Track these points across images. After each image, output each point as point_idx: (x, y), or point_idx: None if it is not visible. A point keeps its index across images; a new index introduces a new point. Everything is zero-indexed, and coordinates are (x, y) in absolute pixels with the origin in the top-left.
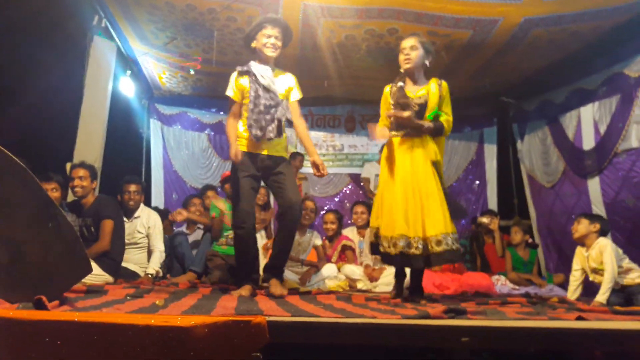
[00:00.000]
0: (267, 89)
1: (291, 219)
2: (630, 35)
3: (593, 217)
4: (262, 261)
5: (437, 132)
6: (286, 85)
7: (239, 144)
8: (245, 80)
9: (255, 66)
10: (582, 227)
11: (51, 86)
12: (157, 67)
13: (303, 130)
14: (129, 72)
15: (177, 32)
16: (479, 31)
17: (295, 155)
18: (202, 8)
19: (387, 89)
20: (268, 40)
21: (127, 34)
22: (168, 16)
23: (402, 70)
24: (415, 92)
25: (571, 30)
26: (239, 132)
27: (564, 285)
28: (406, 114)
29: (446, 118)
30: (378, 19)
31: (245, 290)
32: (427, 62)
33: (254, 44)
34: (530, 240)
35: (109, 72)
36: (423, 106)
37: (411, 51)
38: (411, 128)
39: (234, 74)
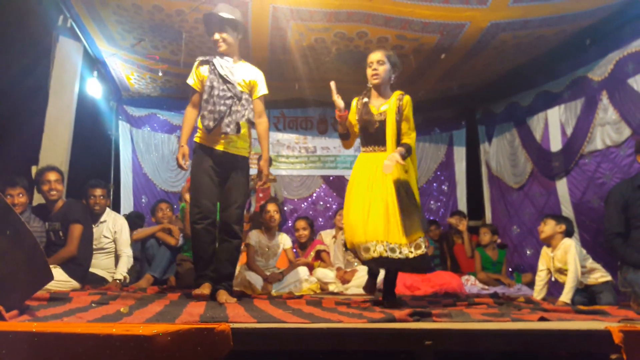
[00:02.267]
0: (224, 80)
1: (228, 235)
2: (593, 40)
3: (559, 218)
4: None
5: (407, 153)
6: (248, 77)
7: (198, 137)
8: (204, 69)
9: (216, 57)
10: (548, 227)
11: (15, 88)
12: (125, 68)
13: (262, 130)
14: (96, 73)
15: (145, 33)
16: (446, 35)
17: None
18: (170, 10)
19: (354, 102)
20: (212, 37)
21: (93, 34)
22: (135, 17)
23: (369, 85)
24: (378, 107)
25: (536, 35)
26: (198, 124)
27: (532, 284)
28: (394, 158)
29: (410, 137)
30: (347, 22)
31: (205, 289)
32: (392, 77)
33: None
34: (499, 241)
35: (75, 73)
36: (383, 122)
37: (379, 66)
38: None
39: (195, 64)
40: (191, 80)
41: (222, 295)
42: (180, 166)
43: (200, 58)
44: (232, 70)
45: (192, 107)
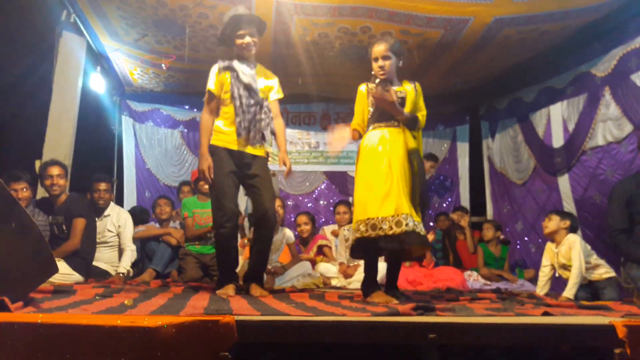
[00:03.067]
0: (247, 87)
1: (266, 227)
2: (597, 36)
3: (564, 214)
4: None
5: (412, 122)
6: (266, 83)
7: (217, 139)
8: (226, 76)
9: (237, 63)
10: (552, 223)
11: (19, 83)
12: (129, 63)
13: (280, 129)
14: (99, 68)
15: (148, 28)
16: (450, 30)
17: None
18: (174, 4)
19: (362, 87)
20: (242, 40)
21: (97, 29)
22: (139, 12)
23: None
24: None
25: (541, 30)
26: (217, 128)
27: (535, 280)
28: (391, 95)
29: (422, 113)
30: (351, 17)
31: (230, 290)
32: (399, 64)
33: (232, 46)
34: (502, 237)
35: (78, 68)
36: (403, 99)
37: (384, 61)
38: (391, 112)
39: (215, 68)
40: (212, 86)
41: (257, 290)
42: (206, 179)
43: (220, 63)
44: (254, 76)
45: (209, 113)
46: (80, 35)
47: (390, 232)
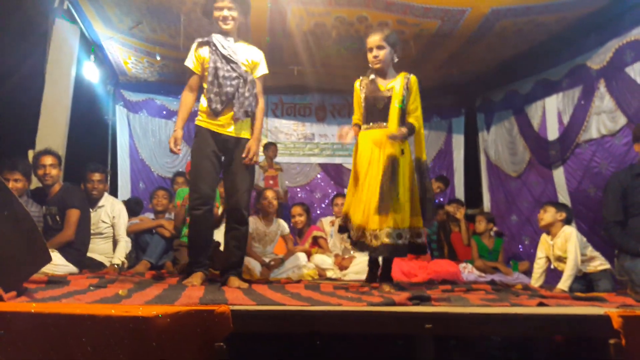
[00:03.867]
0: (228, 59)
1: (237, 222)
2: (593, 28)
3: (559, 206)
4: None
5: (410, 133)
6: (250, 57)
7: (200, 120)
8: (204, 51)
9: (216, 36)
10: (548, 215)
11: (11, 71)
12: (123, 52)
13: (258, 109)
14: (93, 57)
15: (143, 16)
16: (447, 21)
17: (268, 145)
18: None
19: (357, 84)
20: (220, 13)
21: (90, 17)
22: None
23: (371, 67)
24: (385, 85)
25: (537, 22)
26: (200, 107)
27: (529, 273)
28: (401, 132)
29: (415, 115)
30: (347, 6)
31: (196, 278)
32: (395, 58)
33: (212, 20)
34: (495, 229)
35: (71, 56)
36: (389, 99)
37: (379, 51)
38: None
39: (194, 45)
40: (190, 63)
41: (234, 281)
42: (172, 151)
43: (199, 39)
44: (235, 49)
45: (189, 90)
46: (73, 23)
47: (371, 243)
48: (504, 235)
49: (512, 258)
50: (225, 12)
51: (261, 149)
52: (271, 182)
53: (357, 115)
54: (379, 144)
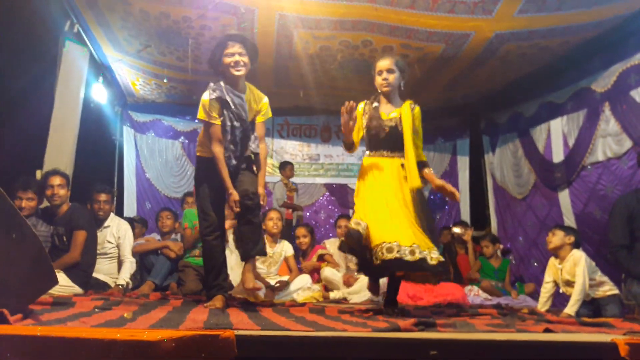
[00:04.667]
0: (238, 117)
1: (248, 212)
2: (597, 52)
3: (568, 229)
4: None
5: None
6: (256, 104)
7: (203, 152)
8: (217, 104)
9: (227, 91)
10: (557, 238)
11: (21, 92)
12: (131, 74)
13: (262, 157)
14: (101, 78)
15: (151, 39)
16: (451, 45)
17: (285, 164)
18: (177, 16)
19: (362, 105)
20: (231, 59)
21: (100, 40)
22: (142, 23)
23: (379, 91)
24: (388, 113)
25: (541, 46)
26: (204, 142)
27: (535, 295)
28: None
29: (420, 148)
30: (352, 30)
31: (218, 302)
32: (401, 84)
33: (221, 69)
34: (501, 247)
35: (81, 78)
36: (393, 128)
37: (389, 75)
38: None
39: (207, 100)
40: (209, 116)
41: (249, 279)
42: (233, 211)
43: (212, 94)
44: (244, 106)
45: (220, 143)
46: (83, 46)
47: (385, 256)
48: (511, 252)
49: (518, 280)
50: (237, 58)
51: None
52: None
53: (350, 138)
54: (390, 174)
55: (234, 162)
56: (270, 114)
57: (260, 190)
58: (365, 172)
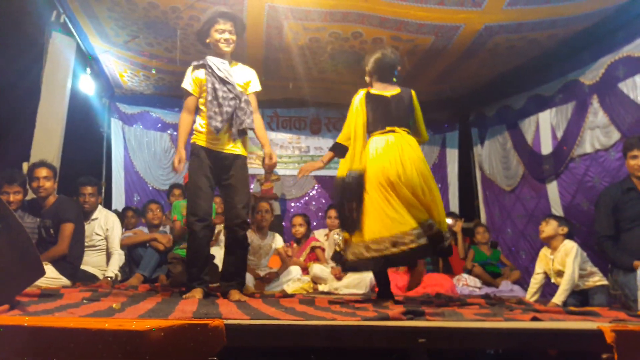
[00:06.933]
0: (224, 81)
1: (237, 245)
2: (585, 44)
3: (562, 220)
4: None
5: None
6: (244, 78)
7: (197, 139)
8: (201, 73)
9: (211, 59)
10: (550, 228)
11: (7, 83)
12: (118, 65)
13: (259, 125)
14: (88, 69)
15: (139, 30)
16: (441, 37)
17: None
18: (165, 6)
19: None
20: (222, 35)
21: (87, 30)
22: (129, 14)
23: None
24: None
25: (530, 38)
26: (197, 127)
27: (523, 285)
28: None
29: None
30: (342, 22)
31: (197, 294)
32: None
33: (208, 40)
34: (491, 240)
35: (67, 69)
36: (400, 100)
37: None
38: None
39: (190, 68)
40: (187, 85)
41: (235, 294)
42: (175, 169)
43: (195, 63)
44: (230, 71)
45: (187, 112)
46: (70, 36)
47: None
48: (498, 244)
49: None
50: (227, 35)
51: (259, 161)
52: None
53: (344, 136)
54: (404, 150)
55: (218, 124)
56: (259, 87)
57: (267, 149)
58: (377, 152)
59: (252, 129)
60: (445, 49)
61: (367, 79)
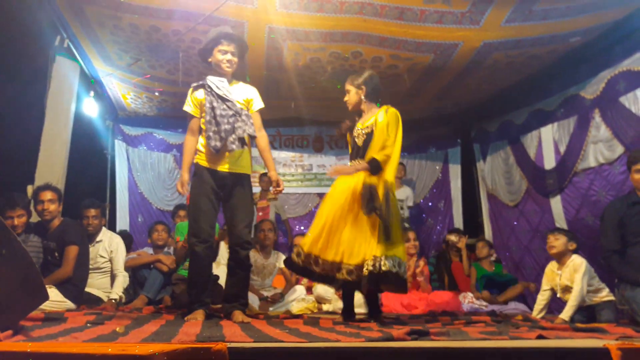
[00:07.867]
0: (223, 98)
1: (239, 266)
2: (585, 59)
3: (570, 235)
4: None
5: (373, 170)
6: (245, 95)
7: (200, 159)
8: (200, 93)
9: (210, 78)
10: (560, 243)
11: (11, 107)
12: (122, 87)
13: (264, 143)
14: (92, 92)
15: (142, 53)
16: (440, 55)
17: (264, 176)
18: (167, 29)
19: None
20: (224, 56)
21: (90, 54)
22: (132, 37)
23: None
24: (363, 122)
25: (529, 54)
26: (199, 147)
27: (530, 300)
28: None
29: (384, 150)
30: (342, 42)
31: (199, 315)
32: (362, 97)
33: (210, 59)
34: (495, 256)
35: (71, 92)
36: (370, 135)
37: (347, 97)
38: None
39: (190, 90)
40: (188, 108)
41: (239, 316)
42: (180, 193)
43: (194, 84)
44: (228, 89)
45: (191, 134)
46: (73, 60)
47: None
48: (500, 262)
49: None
50: (229, 57)
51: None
52: (260, 213)
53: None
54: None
55: (216, 144)
56: (262, 104)
57: (273, 174)
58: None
59: (254, 136)
60: (445, 67)
61: (362, 97)
